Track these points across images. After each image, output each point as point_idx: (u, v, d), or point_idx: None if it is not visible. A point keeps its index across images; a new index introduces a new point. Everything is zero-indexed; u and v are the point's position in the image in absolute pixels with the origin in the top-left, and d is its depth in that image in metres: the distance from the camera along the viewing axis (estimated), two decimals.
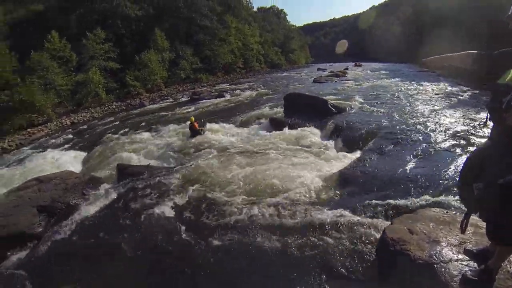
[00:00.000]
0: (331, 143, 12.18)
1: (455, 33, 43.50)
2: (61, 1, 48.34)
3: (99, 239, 7.66)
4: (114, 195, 9.92)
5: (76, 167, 15.88)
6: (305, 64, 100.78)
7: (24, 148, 28.26)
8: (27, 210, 8.74)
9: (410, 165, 8.99)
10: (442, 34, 47.76)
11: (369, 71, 49.67)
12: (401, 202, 6.94)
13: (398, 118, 14.38)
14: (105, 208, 9.25)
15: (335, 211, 6.89)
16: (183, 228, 7.38)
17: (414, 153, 9.82)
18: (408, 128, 12.28)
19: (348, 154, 10.73)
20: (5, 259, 7.42)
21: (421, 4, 73.34)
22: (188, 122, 17.24)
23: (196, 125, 16.90)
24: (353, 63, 72.53)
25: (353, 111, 16.51)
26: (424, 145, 10.49)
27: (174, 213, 8.18)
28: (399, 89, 24.04)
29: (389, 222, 5.56)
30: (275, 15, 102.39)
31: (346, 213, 6.75)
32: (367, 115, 14.92)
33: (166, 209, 8.33)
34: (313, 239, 6.12)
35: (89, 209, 9.27)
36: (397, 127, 12.59)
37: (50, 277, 6.64)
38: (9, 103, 35.24)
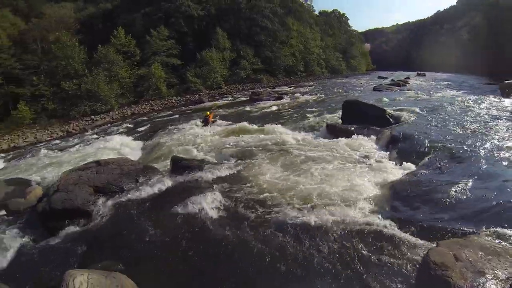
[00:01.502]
0: (386, 153, 11.81)
1: None
2: (128, 1, 50.61)
3: (144, 223, 8.04)
4: (166, 185, 10.23)
5: (133, 155, 16.47)
6: (365, 72, 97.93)
7: (87, 133, 30.01)
8: (84, 189, 9.42)
9: (467, 185, 8.21)
10: None
11: (431, 82, 47.52)
12: (451, 224, 6.59)
13: (458, 133, 13.28)
14: (156, 196, 9.58)
15: (382, 222, 6.82)
16: (226, 224, 7.52)
17: (473, 173, 8.98)
18: (468, 145, 11.34)
19: (402, 167, 10.37)
20: (59, 228, 8.21)
21: (496, 9, 63.36)
22: (205, 115, 21.91)
23: (210, 117, 21.42)
24: (416, 73, 68.58)
25: (411, 122, 15.72)
26: (484, 166, 9.56)
27: (220, 209, 8.33)
28: (462, 103, 22.04)
29: (435, 244, 5.42)
30: (337, 19, 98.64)
31: (393, 226, 6.66)
32: (426, 128, 14.10)
33: (213, 204, 8.48)
34: (356, 247, 6.14)
35: (141, 195, 9.66)
36: (457, 143, 11.72)
37: (94, 251, 7.20)
38: (77, 92, 37.42)
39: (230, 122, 21.17)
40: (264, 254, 6.41)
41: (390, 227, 6.64)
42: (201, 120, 22.25)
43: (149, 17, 47.90)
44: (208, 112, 22.32)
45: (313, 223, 7.13)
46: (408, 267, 5.50)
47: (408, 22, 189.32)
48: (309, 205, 7.95)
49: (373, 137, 13.50)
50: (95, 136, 26.62)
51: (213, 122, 21.42)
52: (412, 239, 6.19)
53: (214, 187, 9.57)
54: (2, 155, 25.85)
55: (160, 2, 48.89)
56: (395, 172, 9.92)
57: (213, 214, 8.14)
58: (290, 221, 7.27)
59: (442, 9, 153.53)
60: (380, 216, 7.20)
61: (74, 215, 8.63)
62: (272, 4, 60.48)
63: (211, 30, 52.29)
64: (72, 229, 8.28)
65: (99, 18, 49.72)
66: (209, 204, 8.51)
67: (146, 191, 9.93)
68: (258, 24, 58.18)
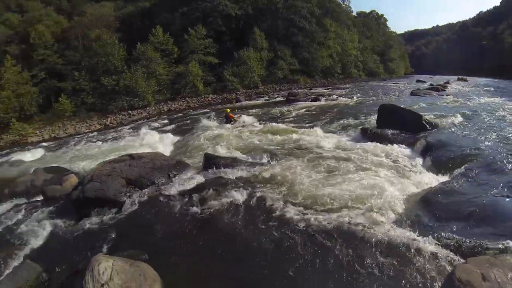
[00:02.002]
0: (419, 161, 11.25)
1: None
2: (167, 0, 50.96)
3: (172, 218, 8.10)
4: (197, 181, 10.17)
5: (166, 150, 16.51)
6: (403, 75, 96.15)
7: (124, 127, 30.54)
8: (117, 180, 9.61)
9: (504, 200, 7.51)
10: None
11: (473, 87, 44.65)
12: (483, 240, 6.03)
13: (497, 143, 12.10)
14: (186, 192, 9.46)
15: (409, 233, 6.51)
16: (254, 224, 7.42)
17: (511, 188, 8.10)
18: (508, 157, 10.24)
19: (436, 176, 9.87)
20: (90, 216, 8.49)
21: None
22: (224, 113, 23.19)
23: (231, 115, 22.35)
24: (456, 77, 65.70)
25: (448, 129, 14.74)
26: None
27: (250, 208, 8.20)
28: (504, 111, 20.18)
29: (463, 260, 5.23)
30: (375, 20, 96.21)
31: (421, 237, 6.28)
32: (463, 136, 13.23)
33: (243, 203, 8.37)
34: (379, 255, 5.95)
35: (171, 190, 9.60)
36: (496, 154, 10.75)
37: (121, 239, 7.33)
38: (115, 87, 38.24)
39: (265, 122, 20.97)
40: (285, 255, 6.33)
41: (417, 238, 6.28)
42: (223, 117, 23.34)
43: (187, 16, 48.22)
44: (228, 110, 23.50)
45: (339, 228, 6.92)
46: (432, 282, 5.25)
47: (449, 23, 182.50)
48: (337, 209, 7.77)
49: (408, 143, 13.00)
50: (131, 130, 27.02)
51: (235, 120, 21.94)
52: (440, 252, 5.85)
53: (245, 186, 9.42)
54: (44, 144, 26.89)
55: (198, 1, 49.18)
56: (428, 180, 9.46)
57: (242, 213, 8.01)
58: (316, 225, 7.08)
59: (485, 10, 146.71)
60: (408, 226, 6.89)
61: (105, 204, 8.91)
62: (309, 4, 59.44)
63: (249, 30, 52.13)
64: (102, 217, 8.53)
65: (138, 17, 50.55)
66: (239, 202, 8.41)
67: (177, 186, 9.92)
68: (295, 25, 57.32)
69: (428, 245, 6.03)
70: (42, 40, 39.34)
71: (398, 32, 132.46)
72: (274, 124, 19.29)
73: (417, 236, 6.34)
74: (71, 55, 40.95)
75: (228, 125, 20.95)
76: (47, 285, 6.13)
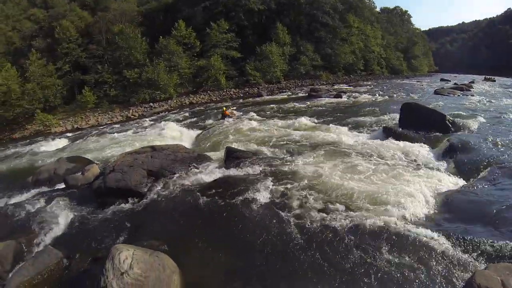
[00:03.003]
0: (442, 162, 10.98)
1: None
2: None
3: (192, 210, 8.09)
4: (217, 175, 10.16)
5: (188, 143, 16.78)
6: (427, 73, 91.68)
7: (145, 119, 30.58)
8: (138, 171, 9.72)
9: None
10: None
11: (499, 88, 42.00)
12: (505, 247, 5.86)
13: None
14: (207, 185, 9.45)
15: (429, 234, 6.38)
16: (273, 219, 7.32)
17: None
18: None
19: (458, 178, 9.57)
20: (111, 205, 8.65)
21: None
22: (221, 110, 24.61)
23: (227, 112, 23.69)
24: (483, 77, 63.13)
25: (472, 131, 14.31)
26: None
27: (269, 203, 8.09)
28: None
29: (483, 266, 5.31)
30: (399, 16, 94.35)
31: (440, 240, 6.20)
32: (488, 139, 12.60)
33: (263, 198, 8.29)
34: (398, 256, 5.87)
35: (192, 182, 9.66)
36: None
37: (141, 229, 7.44)
38: (138, 80, 38.41)
39: (286, 117, 20.79)
40: (304, 250, 6.26)
41: (437, 241, 6.19)
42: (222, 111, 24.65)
43: (209, 10, 48.14)
44: (225, 108, 24.86)
45: (358, 225, 6.84)
46: (451, 286, 5.20)
47: (475, 20, 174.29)
48: (357, 206, 7.67)
49: (431, 143, 12.71)
50: (152, 122, 27.05)
51: (229, 116, 23.29)
52: (460, 256, 5.77)
53: (265, 180, 9.28)
54: (67, 134, 27.31)
55: None
56: (450, 183, 9.22)
57: (262, 207, 7.91)
58: (335, 221, 7.02)
59: None
60: (428, 228, 6.70)
61: (126, 194, 9.00)
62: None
63: (271, 25, 51.63)
64: (123, 207, 8.67)
65: (161, 11, 50.84)
66: (259, 197, 8.31)
67: (198, 178, 9.92)
68: (318, 20, 56.50)
69: (448, 248, 5.96)
70: (67, 34, 40.21)
71: (422, 28, 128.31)
72: (295, 119, 19.02)
73: (437, 237, 6.25)
74: (95, 49, 41.59)
75: (230, 120, 21.97)
76: (67, 271, 6.26)
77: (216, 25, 45.24)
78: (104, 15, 44.63)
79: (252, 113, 23.80)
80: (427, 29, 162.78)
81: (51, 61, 38.64)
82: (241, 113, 25.03)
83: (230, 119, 22.09)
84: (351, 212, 7.30)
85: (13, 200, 10.64)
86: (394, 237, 6.35)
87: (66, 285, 5.97)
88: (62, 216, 8.36)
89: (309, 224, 7.00)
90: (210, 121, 23.69)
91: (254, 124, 18.77)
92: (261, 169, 10.30)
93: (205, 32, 44.95)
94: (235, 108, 27.51)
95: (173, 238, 6.98)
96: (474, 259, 5.70)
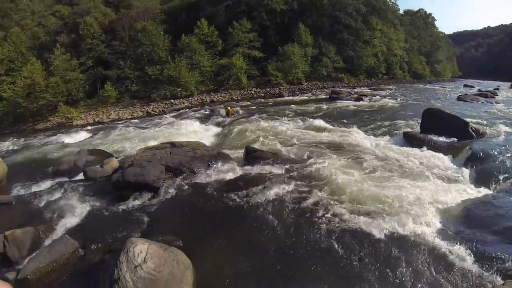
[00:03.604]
0: (463, 170, 10.73)
1: None
2: None
3: (208, 207, 8.13)
4: (236, 173, 10.24)
5: (207, 141, 16.67)
6: (450, 78, 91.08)
7: (165, 115, 30.56)
8: (156, 166, 9.82)
9: None
10: None
11: None
12: None
13: None
14: (224, 183, 9.50)
15: (447, 244, 6.23)
16: (289, 220, 7.34)
17: None
18: None
19: (479, 188, 9.35)
20: (128, 199, 8.81)
21: None
22: (225, 110, 26.09)
23: (231, 111, 25.35)
24: (510, 84, 61.65)
25: (495, 139, 13.97)
26: None
27: (286, 203, 8.08)
28: None
29: (501, 281, 5.24)
30: (423, 19, 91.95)
31: (458, 251, 6.03)
32: (511, 148, 12.24)
33: (280, 198, 8.32)
34: (413, 266, 5.74)
35: (210, 180, 9.73)
36: None
37: (156, 224, 7.52)
38: (159, 76, 38.66)
39: (307, 118, 20.41)
40: (318, 252, 6.25)
41: (454, 252, 6.06)
42: (224, 112, 26.22)
43: (232, 10, 48.09)
44: (229, 107, 26.47)
45: (375, 230, 6.76)
46: None
47: (502, 24, 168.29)
48: (375, 212, 7.58)
49: (452, 151, 12.40)
50: (172, 119, 27.12)
51: (232, 115, 24.99)
52: (477, 269, 5.64)
53: (283, 181, 9.29)
54: (89, 127, 27.59)
55: None
56: (470, 192, 9.04)
57: (279, 207, 7.92)
58: (352, 226, 6.96)
59: None
60: (446, 237, 6.58)
61: (144, 189, 9.13)
62: (355, 1, 57.86)
63: (294, 25, 51.27)
64: (140, 201, 8.78)
65: (183, 10, 50.92)
66: (276, 197, 8.36)
67: (216, 176, 10.01)
68: (341, 22, 55.91)
69: (465, 260, 5.84)
70: (90, 30, 40.88)
71: (446, 32, 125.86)
72: (315, 121, 18.89)
73: (454, 249, 6.10)
74: (117, 45, 42.02)
75: (228, 119, 23.70)
76: (82, 261, 6.37)
77: (238, 24, 45.13)
78: (127, 12, 44.97)
79: (263, 114, 23.60)
80: (451, 33, 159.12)
81: (74, 56, 39.38)
82: (245, 112, 26.34)
83: (230, 117, 23.82)
84: (368, 217, 7.22)
85: (33, 189, 10.97)
86: (410, 245, 6.24)
87: (80, 274, 6.04)
88: (80, 207, 8.60)
89: (325, 226, 6.97)
90: (220, 119, 23.92)
91: (275, 124, 18.70)
92: (279, 169, 10.31)
93: (227, 31, 44.89)
94: (239, 107, 28.79)
95: (188, 234, 7.02)
96: (491, 273, 5.55)
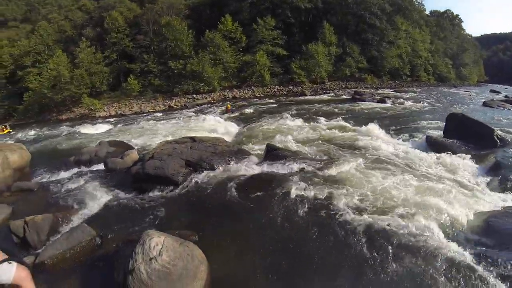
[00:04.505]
0: (487, 179, 10.09)
1: None
2: None
3: (227, 203, 7.98)
4: (256, 171, 10.03)
5: (228, 137, 16.53)
6: (476, 83, 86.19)
7: (187, 110, 30.60)
8: (176, 160, 9.76)
9: None
10: None
11: None
12: None
13: None
14: (244, 180, 9.29)
15: (467, 257, 5.76)
16: (308, 220, 7.11)
17: None
18: None
19: (502, 198, 8.80)
20: (147, 191, 8.83)
21: None
22: (225, 107, 28.38)
23: (229, 108, 27.46)
24: None
25: None
26: None
27: (305, 204, 7.76)
28: None
29: None
30: (449, 21, 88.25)
31: (479, 265, 5.54)
32: None
33: (299, 198, 8.02)
34: (433, 276, 5.34)
35: (229, 176, 9.51)
36: None
37: (174, 218, 7.47)
38: (182, 71, 38.74)
39: (328, 118, 20.08)
40: (334, 253, 6.05)
41: (475, 265, 5.60)
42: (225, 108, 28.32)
43: (256, 6, 47.88)
44: (229, 104, 28.89)
45: (392, 236, 6.45)
46: None
47: None
48: (393, 217, 7.18)
49: (476, 158, 11.75)
50: (194, 114, 27.14)
51: (230, 111, 26.45)
52: (495, 283, 5.20)
53: (303, 180, 9.00)
54: (111, 119, 28.01)
55: None
56: (493, 202, 8.47)
57: (297, 206, 7.64)
58: (370, 230, 6.66)
59: None
60: (466, 249, 6.11)
61: (162, 182, 9.10)
62: (381, 0, 56.62)
63: (318, 24, 50.77)
64: (158, 194, 8.77)
65: (208, 5, 51.04)
66: (295, 196, 8.06)
67: (235, 173, 9.75)
68: (365, 21, 54.84)
69: (487, 275, 5.37)
70: (115, 25, 41.55)
71: (474, 35, 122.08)
72: (337, 122, 18.56)
73: (475, 263, 5.66)
74: (142, 39, 42.38)
75: (226, 115, 25.10)
76: (98, 249, 6.39)
77: (262, 21, 44.90)
78: (152, 7, 45.33)
79: (285, 113, 22.81)
80: (478, 35, 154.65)
81: (99, 49, 40.22)
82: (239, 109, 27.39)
83: (228, 113, 25.37)
84: (385, 222, 6.91)
85: (55, 177, 11.27)
86: (428, 255, 5.87)
87: (95, 262, 6.07)
88: (99, 197, 8.66)
89: (340, 227, 6.79)
90: (253, 116, 23.56)
91: (296, 123, 18.50)
92: (299, 168, 10.10)
93: (251, 28, 44.69)
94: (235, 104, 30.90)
95: (204, 229, 6.93)
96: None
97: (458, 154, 12.09)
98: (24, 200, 8.87)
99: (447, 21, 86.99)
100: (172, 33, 40.05)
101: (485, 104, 30.90)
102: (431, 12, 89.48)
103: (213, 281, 5.43)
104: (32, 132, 25.05)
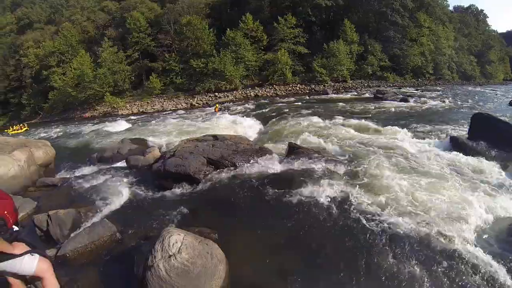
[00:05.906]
0: None
1: None
2: None
3: (248, 202, 7.90)
4: (277, 169, 9.85)
5: (250, 135, 16.42)
6: (502, 81, 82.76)
7: (208, 108, 30.73)
8: (198, 158, 9.69)
9: None
10: None
11: None
12: None
13: None
14: (265, 178, 9.11)
15: (491, 266, 5.50)
16: (330, 220, 6.96)
17: None
18: None
19: None
20: (168, 188, 8.78)
21: None
22: (214, 107, 28.53)
23: (217, 109, 27.39)
24: None
25: None
26: None
27: (328, 204, 7.58)
28: None
29: None
30: (474, 16, 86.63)
31: (500, 272, 5.28)
32: None
33: (322, 198, 7.78)
34: (455, 281, 5.14)
35: (251, 174, 9.42)
36: None
37: (194, 216, 7.35)
38: (204, 69, 38.83)
39: (351, 118, 19.60)
40: (355, 254, 5.87)
41: (496, 269, 5.46)
42: (213, 108, 28.76)
43: (276, 4, 47.70)
44: (217, 105, 29.38)
45: (414, 239, 6.32)
46: None
47: None
48: (416, 219, 7.07)
49: (502, 160, 11.32)
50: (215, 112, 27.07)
51: (218, 112, 26.84)
52: None
53: (325, 180, 8.78)
54: (133, 117, 28.19)
55: None
56: None
57: (319, 206, 7.48)
58: (392, 231, 6.53)
59: None
60: (491, 256, 5.85)
61: (184, 180, 9.08)
62: None
63: (339, 21, 50.08)
64: (179, 192, 8.74)
65: (228, 4, 51.11)
66: (317, 196, 7.86)
67: (257, 171, 9.61)
68: (387, 19, 53.62)
69: (506, 279, 5.24)
70: (137, 24, 41.99)
71: (500, 31, 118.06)
72: (359, 121, 18.19)
73: (499, 268, 5.48)
74: (163, 39, 42.69)
75: (217, 114, 25.67)
76: (119, 244, 6.45)
77: (283, 20, 44.55)
78: (172, 6, 45.67)
79: (307, 110, 22.73)
80: (504, 31, 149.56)
81: (121, 49, 40.79)
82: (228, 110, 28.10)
83: (218, 114, 25.67)
84: (408, 224, 6.73)
85: (78, 173, 11.42)
86: (450, 261, 5.69)
87: (115, 257, 6.03)
88: (120, 193, 8.72)
89: (369, 231, 6.56)
90: (276, 115, 22.86)
91: (318, 122, 18.11)
92: (321, 167, 9.84)
93: (272, 26, 44.41)
94: (224, 105, 31.56)
95: (224, 228, 6.82)
96: None
97: (483, 157, 11.59)
98: (48, 195, 9.05)
99: (471, 17, 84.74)
100: (193, 32, 40.21)
101: (511, 103, 30.19)
102: (454, 7, 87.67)
103: (232, 280, 5.36)
104: (57, 130, 25.49)
